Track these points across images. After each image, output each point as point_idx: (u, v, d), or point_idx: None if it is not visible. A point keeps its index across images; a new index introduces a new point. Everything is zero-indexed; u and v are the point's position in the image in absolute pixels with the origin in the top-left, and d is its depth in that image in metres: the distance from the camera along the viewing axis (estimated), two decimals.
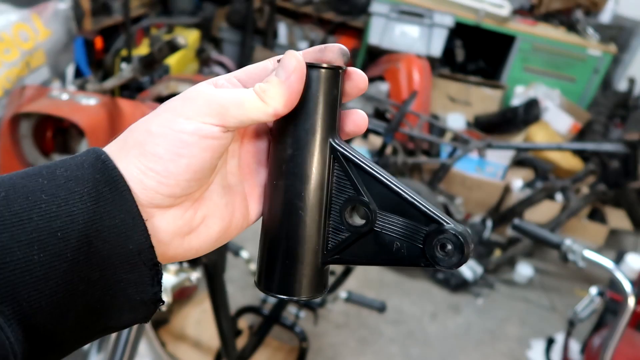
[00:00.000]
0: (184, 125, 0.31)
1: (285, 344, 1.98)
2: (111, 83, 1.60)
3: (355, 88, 0.36)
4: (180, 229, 0.32)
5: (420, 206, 0.34)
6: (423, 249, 0.34)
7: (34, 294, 0.25)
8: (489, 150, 2.72)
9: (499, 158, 3.01)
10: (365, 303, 1.79)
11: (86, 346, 1.20)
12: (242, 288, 2.27)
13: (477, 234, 2.77)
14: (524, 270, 2.75)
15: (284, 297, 0.36)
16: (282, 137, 0.36)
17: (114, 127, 1.55)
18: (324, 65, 0.34)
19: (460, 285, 2.60)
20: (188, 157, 0.31)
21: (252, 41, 3.65)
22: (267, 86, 0.33)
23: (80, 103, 1.48)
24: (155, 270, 0.30)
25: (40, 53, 1.89)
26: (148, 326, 1.28)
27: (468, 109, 3.58)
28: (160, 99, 2.08)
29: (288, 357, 1.95)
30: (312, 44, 3.75)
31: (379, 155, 2.15)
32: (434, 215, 0.34)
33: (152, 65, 1.47)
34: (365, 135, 2.11)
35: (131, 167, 0.30)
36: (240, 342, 1.69)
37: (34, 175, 0.28)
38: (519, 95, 3.55)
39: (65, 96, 1.51)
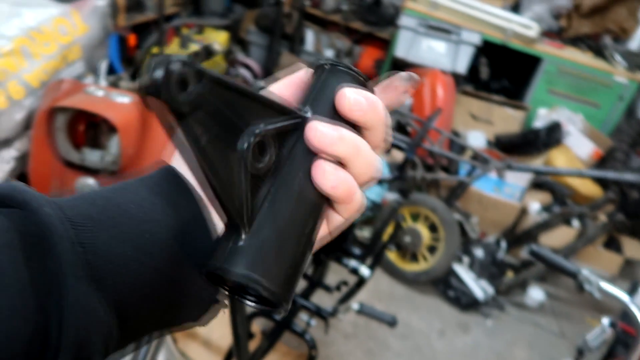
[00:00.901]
0: None
1: (294, 350, 2.00)
2: None
3: None
4: None
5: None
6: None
7: (127, 286, 0.28)
8: (508, 171, 2.72)
9: (517, 179, 3.01)
10: (377, 316, 1.81)
11: None
12: None
13: (491, 254, 2.76)
14: (536, 294, 2.74)
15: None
16: None
17: (145, 125, 1.59)
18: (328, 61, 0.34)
19: (471, 305, 2.59)
20: None
21: (279, 46, 3.69)
22: None
23: (115, 101, 1.52)
24: None
25: (77, 47, 1.94)
26: None
27: (489, 128, 3.58)
28: None
29: None
30: (338, 52, 3.77)
31: (399, 170, 2.17)
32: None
33: None
34: (387, 150, 2.12)
35: None
36: (252, 345, 1.71)
37: (122, 189, 0.32)
38: (542, 118, 3.54)
39: (100, 93, 1.56)
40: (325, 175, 0.31)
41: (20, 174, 1.76)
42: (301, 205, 0.31)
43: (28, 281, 0.25)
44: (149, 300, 0.30)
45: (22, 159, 1.76)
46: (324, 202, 0.32)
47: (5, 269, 0.25)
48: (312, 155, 0.31)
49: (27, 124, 1.72)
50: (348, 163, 0.32)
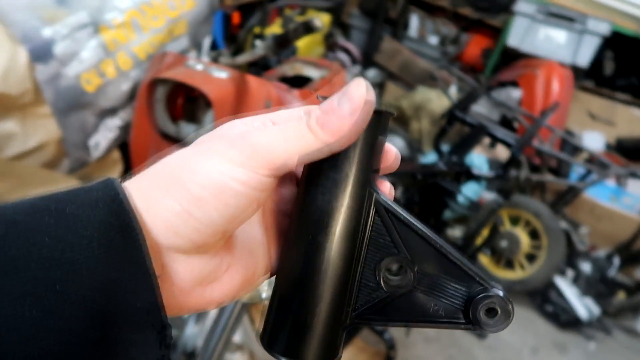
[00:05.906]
0: (236, 173, 0.27)
1: (371, 347, 1.92)
2: (243, 58, 1.62)
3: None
4: (205, 277, 0.30)
5: (464, 266, 0.32)
6: (465, 311, 0.32)
7: (20, 358, 0.22)
8: (630, 179, 2.40)
9: None
10: None
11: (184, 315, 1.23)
12: None
13: (600, 270, 2.47)
14: None
15: None
16: (322, 183, 0.31)
17: (240, 101, 1.57)
18: (383, 108, 0.31)
19: (571, 323, 2.34)
20: (234, 208, 0.28)
21: (381, 30, 3.56)
22: (326, 119, 0.28)
23: (213, 75, 1.52)
24: (164, 333, 0.27)
25: (183, 22, 1.97)
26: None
27: (610, 129, 3.20)
28: (285, 79, 2.09)
29: (371, 359, 1.89)
30: (443, 39, 3.57)
31: (503, 169, 1.98)
32: (479, 277, 0.32)
33: (285, 44, 1.46)
34: (492, 144, 1.94)
35: (168, 208, 0.27)
36: None
37: (41, 211, 0.24)
38: None
39: (199, 66, 1.56)
40: None
41: (123, 142, 1.84)
42: None
43: None
44: None
45: (125, 129, 1.83)
46: None
47: None
48: None
49: (131, 95, 1.79)
50: None
